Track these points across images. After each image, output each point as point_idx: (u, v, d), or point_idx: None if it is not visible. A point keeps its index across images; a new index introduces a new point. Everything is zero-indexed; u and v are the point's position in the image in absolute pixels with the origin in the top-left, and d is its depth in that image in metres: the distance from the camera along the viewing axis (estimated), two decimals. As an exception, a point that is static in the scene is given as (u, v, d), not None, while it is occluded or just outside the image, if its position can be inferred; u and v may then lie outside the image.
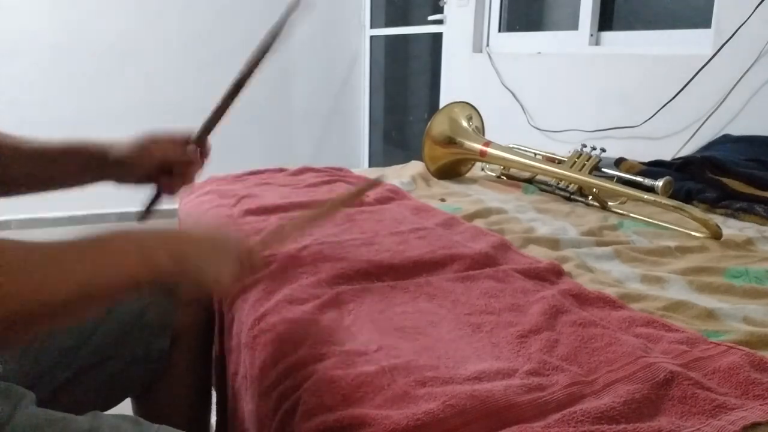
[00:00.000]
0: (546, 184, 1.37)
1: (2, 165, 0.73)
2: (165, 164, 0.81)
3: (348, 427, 0.48)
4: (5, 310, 0.44)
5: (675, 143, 1.72)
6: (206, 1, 3.32)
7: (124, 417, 0.60)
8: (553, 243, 0.98)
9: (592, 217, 1.16)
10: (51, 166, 0.78)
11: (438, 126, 1.46)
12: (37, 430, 0.55)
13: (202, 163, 0.85)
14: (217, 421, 0.85)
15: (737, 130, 1.57)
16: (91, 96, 3.14)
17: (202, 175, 1.42)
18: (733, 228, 1.09)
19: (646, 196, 1.11)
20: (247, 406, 0.65)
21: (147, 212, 0.85)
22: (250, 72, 0.81)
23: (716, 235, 1.02)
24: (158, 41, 3.20)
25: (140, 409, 0.90)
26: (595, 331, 0.64)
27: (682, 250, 0.96)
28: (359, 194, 1.00)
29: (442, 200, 1.29)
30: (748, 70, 1.54)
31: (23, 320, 0.46)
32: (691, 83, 1.67)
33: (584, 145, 1.31)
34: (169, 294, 0.84)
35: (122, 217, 3.03)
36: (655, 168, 1.37)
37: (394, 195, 1.24)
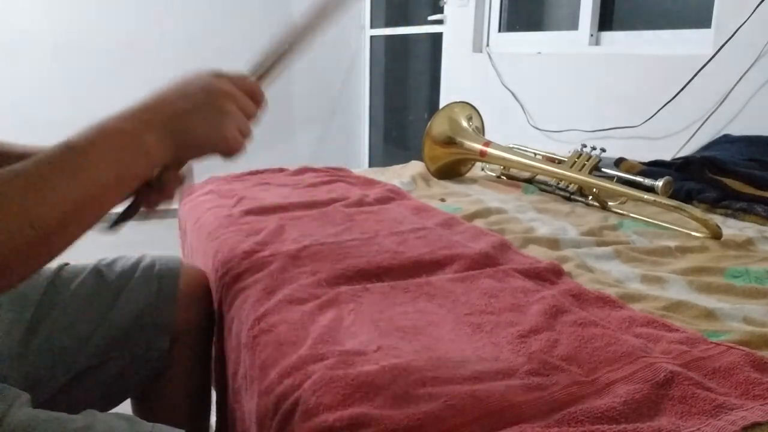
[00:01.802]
0: (546, 184, 1.37)
1: None
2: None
3: (348, 427, 0.48)
4: None
5: (675, 143, 1.72)
6: (207, 2, 3.33)
7: (118, 416, 0.60)
8: (553, 243, 0.98)
9: (592, 217, 1.16)
10: None
11: (438, 126, 1.46)
12: (31, 429, 0.55)
13: (182, 183, 0.78)
14: (217, 421, 0.85)
15: (737, 130, 1.57)
16: (92, 96, 3.14)
17: (202, 176, 1.42)
18: (733, 228, 1.09)
19: (646, 196, 1.11)
20: (247, 406, 0.65)
21: (119, 222, 0.75)
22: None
23: (716, 235, 1.02)
24: (159, 41, 3.20)
25: (140, 409, 0.90)
26: (595, 331, 0.64)
27: (682, 250, 0.96)
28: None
29: (442, 200, 1.29)
30: (748, 70, 1.54)
31: (18, 248, 0.43)
32: (691, 83, 1.67)
33: (584, 145, 1.31)
34: (175, 288, 0.82)
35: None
36: (655, 168, 1.37)
37: (394, 195, 1.24)
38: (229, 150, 0.61)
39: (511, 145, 1.49)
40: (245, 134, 0.61)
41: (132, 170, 0.52)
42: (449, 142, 1.47)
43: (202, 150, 0.59)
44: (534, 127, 2.29)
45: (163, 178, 0.70)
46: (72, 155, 0.48)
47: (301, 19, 0.70)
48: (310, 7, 0.70)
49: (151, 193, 0.75)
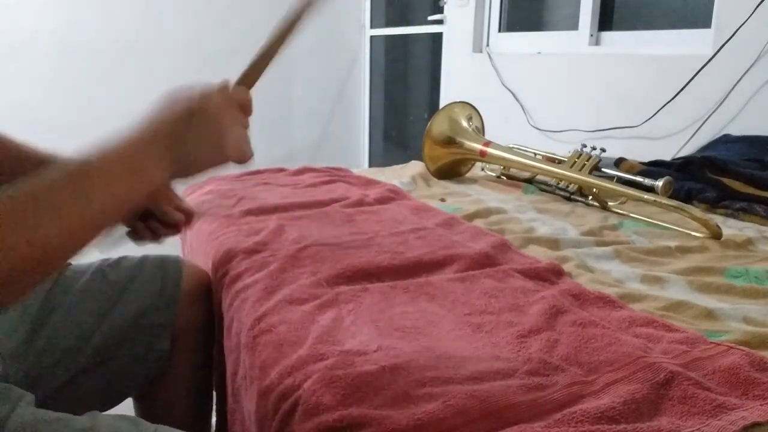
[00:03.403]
0: (546, 184, 1.37)
1: None
2: (147, 211, 0.75)
3: (348, 427, 0.48)
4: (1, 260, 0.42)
5: (675, 143, 1.72)
6: (207, 2, 3.32)
7: (122, 417, 0.60)
8: (553, 243, 0.98)
9: (592, 217, 1.16)
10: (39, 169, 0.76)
11: (438, 126, 1.46)
12: (35, 430, 0.55)
13: (186, 225, 0.78)
14: (217, 421, 0.85)
15: (737, 130, 1.57)
16: (92, 96, 3.14)
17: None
18: (733, 228, 1.09)
19: (646, 196, 1.11)
20: (247, 406, 0.65)
21: (112, 243, 0.75)
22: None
23: (716, 235, 1.02)
24: (159, 41, 3.20)
25: (141, 409, 0.90)
26: (595, 331, 0.64)
27: (682, 250, 0.96)
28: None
29: (442, 200, 1.29)
30: (748, 70, 1.54)
31: (20, 270, 0.44)
32: (691, 83, 1.67)
33: (584, 145, 1.31)
34: (175, 289, 0.83)
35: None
36: (655, 168, 1.37)
37: (394, 195, 1.24)
38: (234, 159, 0.61)
39: (511, 145, 1.49)
40: (245, 142, 0.62)
41: (131, 193, 0.52)
42: (449, 142, 1.46)
43: (202, 167, 0.59)
44: (534, 127, 2.29)
45: (167, 212, 0.70)
46: (72, 179, 0.49)
47: (281, 19, 0.71)
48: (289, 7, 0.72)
49: (158, 227, 0.76)
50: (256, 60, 0.69)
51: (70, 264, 0.82)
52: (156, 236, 0.77)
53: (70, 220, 0.47)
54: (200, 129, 0.57)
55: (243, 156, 0.61)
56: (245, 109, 0.63)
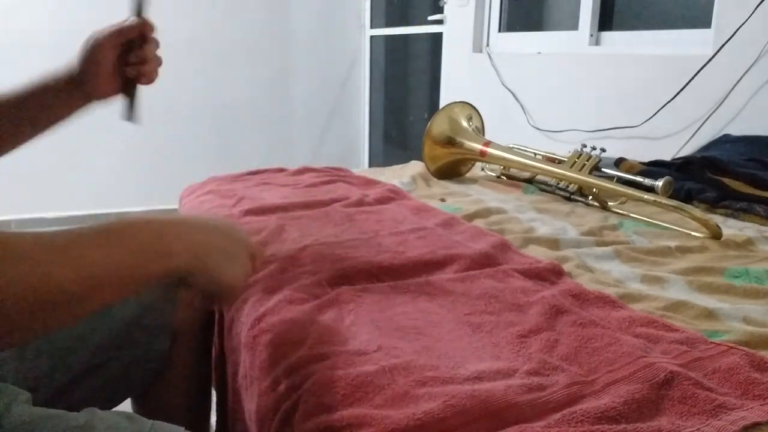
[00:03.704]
0: (546, 184, 1.37)
1: None
2: (122, 53, 0.79)
3: (348, 427, 0.48)
4: (12, 297, 0.43)
5: (675, 143, 1.72)
6: (207, 2, 3.32)
7: (119, 413, 0.60)
8: (553, 243, 0.98)
9: (592, 217, 1.16)
10: (24, 112, 0.76)
11: (438, 126, 1.46)
12: (32, 426, 0.55)
13: (151, 35, 0.82)
14: (217, 421, 0.85)
15: (737, 130, 1.57)
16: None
17: (202, 175, 1.42)
18: (733, 228, 1.09)
19: (646, 196, 1.11)
20: (247, 406, 0.65)
21: (131, 108, 0.82)
22: None
23: (716, 235, 1.02)
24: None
25: (140, 409, 0.90)
26: (595, 331, 0.64)
27: (682, 250, 0.96)
28: None
29: (442, 200, 1.29)
30: (748, 70, 1.54)
31: (29, 310, 0.44)
32: (691, 83, 1.67)
33: (584, 145, 1.31)
34: (175, 289, 0.83)
35: (122, 216, 3.02)
36: (655, 168, 1.37)
37: (394, 195, 1.24)
38: (225, 296, 0.67)
39: (511, 145, 1.49)
40: (245, 279, 0.65)
41: (150, 268, 0.54)
42: (449, 142, 1.47)
43: (209, 280, 0.60)
44: (534, 127, 2.29)
45: None
46: (103, 236, 0.51)
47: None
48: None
49: (136, 66, 0.79)
50: None
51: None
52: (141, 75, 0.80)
53: (85, 273, 0.48)
54: (231, 251, 0.61)
55: (232, 299, 0.69)
56: (254, 261, 0.67)
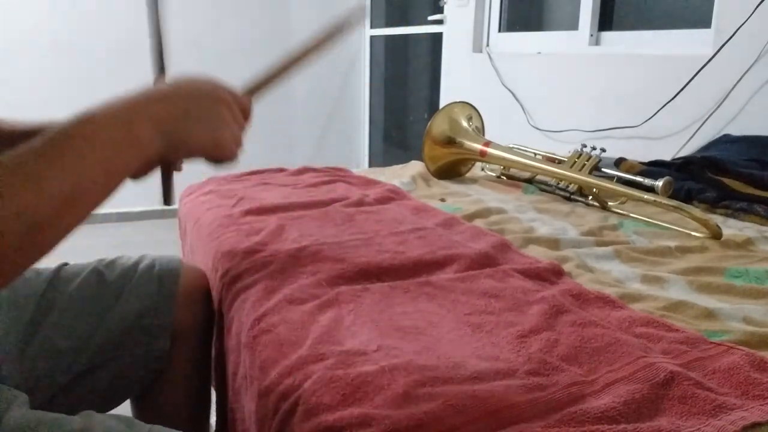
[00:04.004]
0: (546, 184, 1.37)
1: None
2: None
3: (348, 427, 0.48)
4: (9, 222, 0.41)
5: (675, 143, 1.72)
6: (207, 2, 3.33)
7: (117, 417, 0.60)
8: (553, 243, 0.98)
9: (592, 217, 1.16)
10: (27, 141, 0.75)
11: (438, 126, 1.46)
12: (29, 431, 0.54)
13: None
14: (217, 421, 0.85)
15: (737, 130, 1.57)
16: (92, 96, 3.13)
17: (202, 176, 1.42)
18: (733, 228, 1.09)
19: (646, 196, 1.11)
20: (247, 406, 0.65)
21: (168, 192, 0.73)
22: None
23: (716, 235, 1.02)
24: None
25: (140, 409, 0.90)
26: (595, 331, 0.64)
27: (682, 250, 0.96)
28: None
29: (442, 200, 1.29)
30: (748, 70, 1.54)
31: (9, 242, 0.42)
32: (691, 83, 1.67)
33: (584, 145, 1.31)
34: (175, 289, 0.82)
35: (122, 217, 3.04)
36: (655, 168, 1.37)
37: (394, 195, 1.24)
38: (222, 156, 0.61)
39: (511, 145, 1.49)
40: (238, 144, 0.62)
41: (122, 163, 0.51)
42: (449, 142, 1.47)
43: (192, 151, 0.58)
44: (534, 127, 2.29)
45: None
46: (60, 146, 0.47)
47: (299, 43, 0.72)
48: (311, 33, 0.73)
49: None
50: (267, 74, 0.70)
51: (67, 264, 0.82)
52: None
53: (53, 189, 0.45)
54: (204, 111, 0.57)
55: (231, 154, 0.61)
56: (245, 113, 0.64)
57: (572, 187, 1.29)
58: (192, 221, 1.17)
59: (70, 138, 0.48)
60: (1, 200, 0.42)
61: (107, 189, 0.51)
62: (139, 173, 0.56)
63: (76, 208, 0.48)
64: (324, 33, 0.72)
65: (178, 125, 0.55)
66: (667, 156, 1.55)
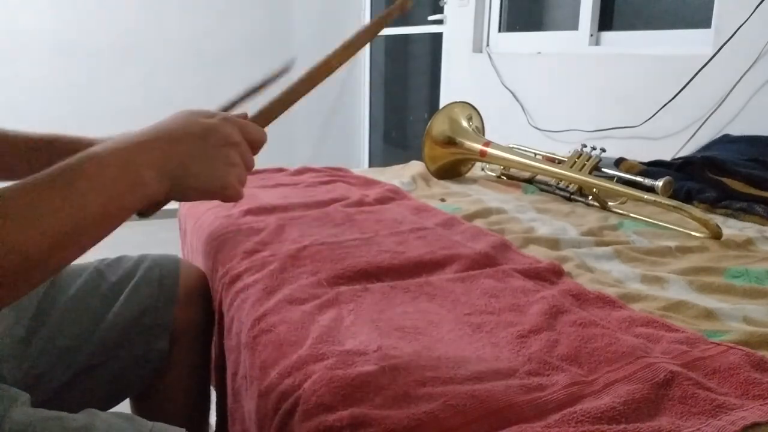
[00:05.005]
0: (546, 184, 1.37)
1: None
2: None
3: (348, 427, 0.48)
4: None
5: (675, 143, 1.72)
6: (207, 2, 3.32)
7: (118, 415, 0.60)
8: (553, 243, 0.98)
9: (592, 217, 1.16)
10: (34, 154, 0.72)
11: (438, 126, 1.46)
12: (32, 429, 0.54)
13: None
14: (217, 421, 0.85)
15: (737, 130, 1.57)
16: (92, 96, 3.14)
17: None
18: (733, 228, 1.09)
19: (646, 196, 1.11)
20: (247, 406, 0.65)
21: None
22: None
23: (716, 235, 1.02)
24: (159, 41, 3.20)
25: (140, 409, 0.90)
26: (595, 331, 0.64)
27: (682, 250, 0.96)
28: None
29: (442, 200, 1.28)
30: (748, 70, 1.54)
31: (2, 274, 0.42)
32: (691, 83, 1.67)
33: (584, 145, 1.31)
34: (175, 289, 0.82)
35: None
36: (655, 168, 1.37)
37: (394, 195, 1.24)
38: (227, 198, 0.61)
39: (511, 145, 1.49)
40: (243, 184, 0.61)
41: (124, 203, 0.50)
42: (449, 142, 1.47)
43: (197, 195, 0.58)
44: (534, 127, 2.29)
45: None
46: (62, 184, 0.46)
47: (308, 68, 0.70)
48: (318, 58, 0.71)
49: None
50: (278, 99, 0.67)
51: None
52: None
53: (49, 227, 0.44)
54: (212, 154, 0.56)
55: (236, 195, 0.61)
56: (255, 147, 0.62)
57: (572, 187, 1.29)
58: (192, 221, 1.17)
59: (74, 176, 0.47)
60: (26, 222, 0.42)
61: (105, 229, 0.50)
62: (147, 212, 0.56)
63: (72, 247, 0.47)
64: (335, 52, 0.71)
65: (186, 171, 0.54)
66: (667, 156, 1.55)
